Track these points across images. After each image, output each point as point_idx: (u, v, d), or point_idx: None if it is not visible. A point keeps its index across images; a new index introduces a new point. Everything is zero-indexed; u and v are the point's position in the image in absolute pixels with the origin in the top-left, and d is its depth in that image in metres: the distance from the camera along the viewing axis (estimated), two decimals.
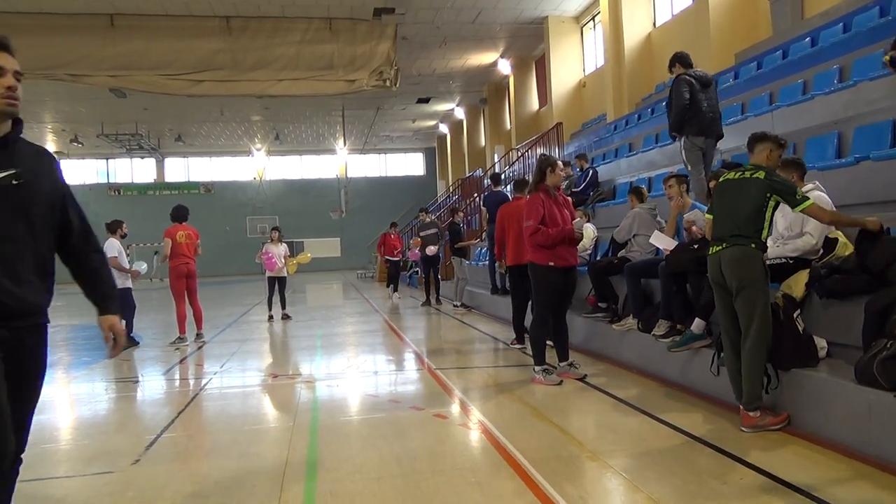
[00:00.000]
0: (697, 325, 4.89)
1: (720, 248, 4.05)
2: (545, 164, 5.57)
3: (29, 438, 2.26)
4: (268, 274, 11.48)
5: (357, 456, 3.83)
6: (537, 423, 4.39)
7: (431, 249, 13.07)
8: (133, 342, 8.87)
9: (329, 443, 4.14)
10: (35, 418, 2.20)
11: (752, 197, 3.98)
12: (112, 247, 8.65)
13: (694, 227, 5.28)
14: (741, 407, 3.96)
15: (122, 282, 8.45)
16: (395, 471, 3.55)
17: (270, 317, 11.53)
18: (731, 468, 3.35)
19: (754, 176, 4.01)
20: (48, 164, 2.30)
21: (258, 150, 38.84)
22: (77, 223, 2.42)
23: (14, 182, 2.11)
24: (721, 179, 4.29)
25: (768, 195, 3.94)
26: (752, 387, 3.89)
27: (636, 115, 14.31)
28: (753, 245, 3.93)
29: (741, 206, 4.00)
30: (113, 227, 9.01)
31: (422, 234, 13.58)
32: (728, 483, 3.14)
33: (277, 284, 11.46)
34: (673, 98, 6.57)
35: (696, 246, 5.12)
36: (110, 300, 2.45)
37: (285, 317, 11.52)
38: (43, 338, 2.30)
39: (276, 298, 11.52)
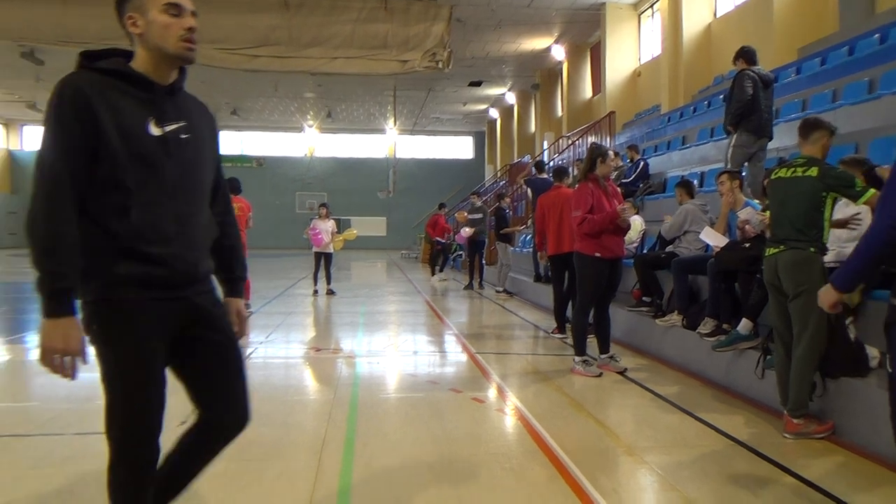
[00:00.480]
0: (744, 325, 4.79)
1: (777, 250, 3.92)
2: (596, 153, 5.51)
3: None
4: (314, 249, 11.70)
5: (394, 433, 3.91)
6: (574, 413, 4.39)
7: (467, 231, 13.12)
8: None
9: (367, 418, 4.22)
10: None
11: (808, 196, 3.81)
12: None
13: (747, 227, 5.16)
14: (785, 412, 3.88)
15: None
16: (431, 450, 3.60)
17: (315, 291, 11.76)
18: (770, 473, 3.29)
19: (807, 174, 3.82)
20: (209, 118, 2.09)
21: (310, 126, 39.30)
22: (223, 190, 2.17)
23: (182, 136, 1.90)
24: (773, 177, 4.12)
25: (824, 194, 3.78)
26: (798, 393, 3.80)
27: (691, 108, 13.97)
28: (812, 249, 3.80)
29: (796, 207, 3.85)
30: None
31: (469, 217, 13.66)
32: (766, 488, 3.10)
33: (324, 260, 11.68)
34: (735, 91, 6.48)
35: (747, 245, 5.01)
36: (241, 281, 2.24)
37: (330, 292, 11.72)
38: (216, 299, 2.09)
39: (322, 274, 11.73)
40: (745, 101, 6.34)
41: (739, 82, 6.44)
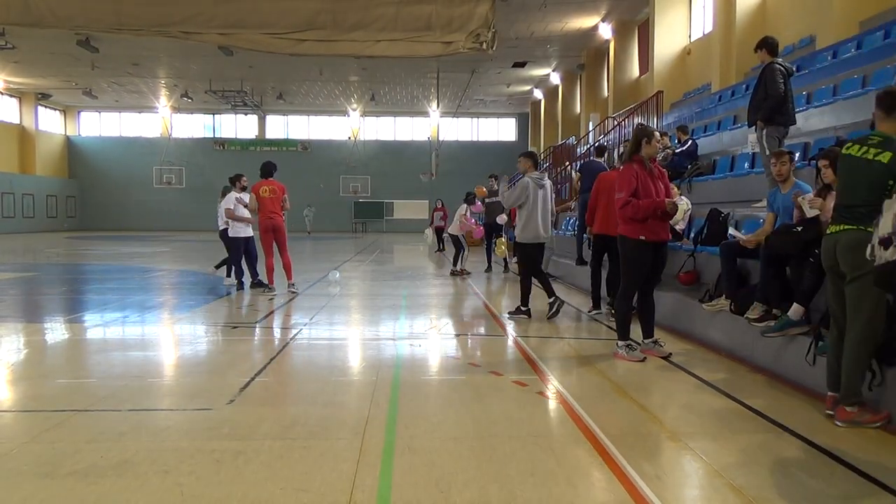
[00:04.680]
0: (795, 310, 4.65)
1: (837, 228, 3.76)
2: (641, 134, 5.42)
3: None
4: (457, 233, 12.66)
5: (436, 415, 3.94)
6: (617, 398, 4.35)
7: (503, 218, 13.05)
8: (262, 285, 9.71)
9: (409, 400, 4.26)
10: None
11: (875, 182, 3.62)
12: (228, 199, 9.85)
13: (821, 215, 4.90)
14: (830, 397, 3.78)
15: (242, 231, 9.83)
16: (472, 432, 3.62)
17: (463, 271, 12.58)
18: (821, 463, 3.20)
19: (878, 158, 3.62)
20: None
21: (354, 110, 39.55)
22: None
23: None
24: (845, 152, 3.86)
25: (891, 182, 3.57)
26: (851, 380, 3.68)
27: (744, 86, 13.52)
28: (871, 229, 3.65)
29: (861, 188, 3.68)
30: (233, 180, 10.11)
31: (488, 200, 13.56)
32: (816, 477, 3.02)
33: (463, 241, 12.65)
34: (766, 86, 6.60)
35: (800, 228, 4.84)
36: None
37: (465, 273, 12.58)
38: None
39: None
40: (779, 96, 6.52)
41: (771, 77, 6.56)
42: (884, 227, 3.31)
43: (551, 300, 7.38)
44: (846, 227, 3.71)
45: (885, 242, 3.29)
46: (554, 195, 7.84)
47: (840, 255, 3.72)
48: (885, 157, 3.60)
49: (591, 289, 7.78)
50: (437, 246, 19.90)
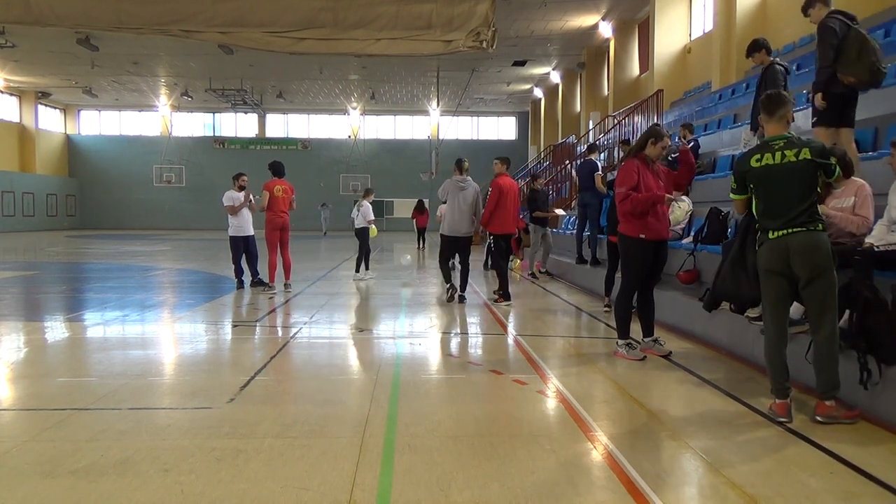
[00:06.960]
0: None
1: (785, 232, 3.75)
2: (649, 134, 5.43)
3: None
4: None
5: (436, 413, 3.94)
6: (617, 396, 4.35)
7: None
8: (262, 284, 9.75)
9: (409, 398, 4.26)
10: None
11: (808, 179, 3.74)
12: (228, 197, 9.95)
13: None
14: (784, 393, 3.83)
15: (242, 230, 9.85)
16: (472, 431, 3.62)
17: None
18: (821, 461, 3.20)
19: (802, 157, 3.72)
20: None
21: (354, 108, 39.52)
22: None
23: None
24: (759, 164, 3.84)
25: (820, 171, 3.75)
26: (831, 375, 3.72)
27: (744, 84, 13.52)
28: (822, 228, 3.75)
29: (799, 190, 3.73)
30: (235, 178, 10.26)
31: None
32: (816, 476, 3.02)
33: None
34: (768, 87, 6.51)
35: None
36: None
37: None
38: None
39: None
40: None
41: (773, 78, 6.52)
42: None
43: (448, 286, 8.92)
44: (795, 229, 3.73)
45: None
46: (479, 198, 8.70)
47: (796, 257, 3.73)
48: (806, 152, 3.73)
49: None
50: (418, 244, 20.16)
